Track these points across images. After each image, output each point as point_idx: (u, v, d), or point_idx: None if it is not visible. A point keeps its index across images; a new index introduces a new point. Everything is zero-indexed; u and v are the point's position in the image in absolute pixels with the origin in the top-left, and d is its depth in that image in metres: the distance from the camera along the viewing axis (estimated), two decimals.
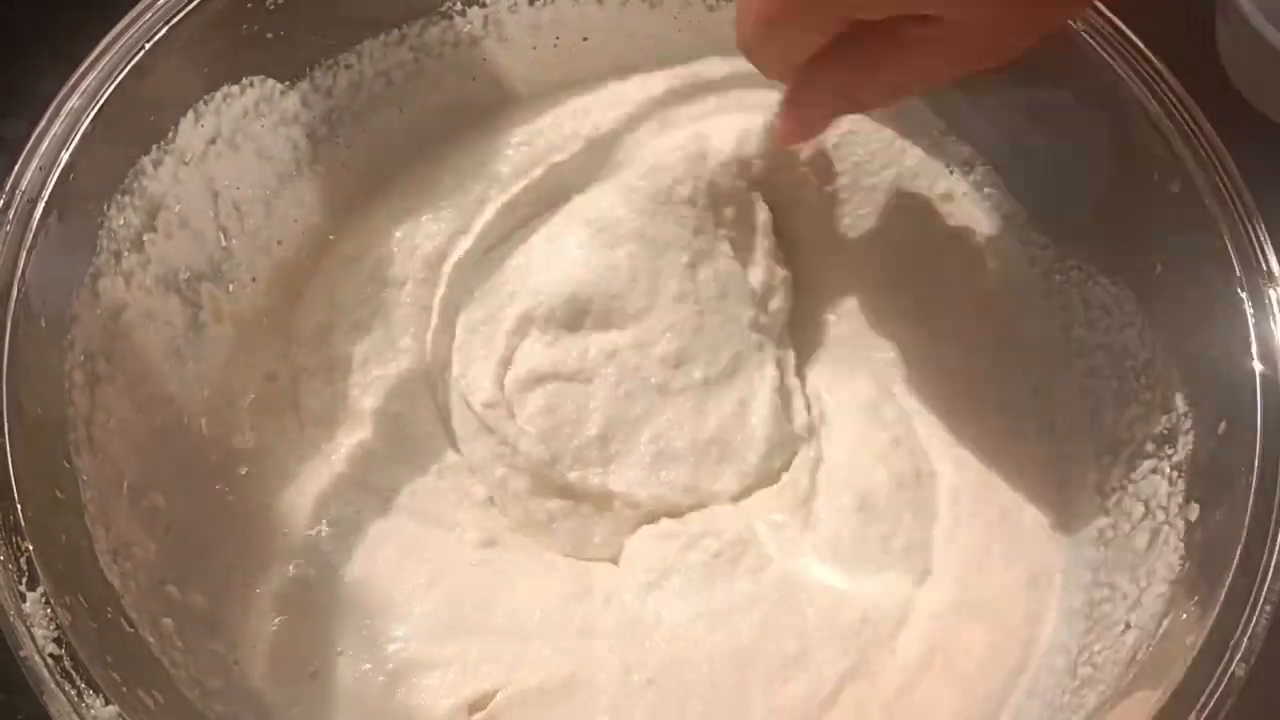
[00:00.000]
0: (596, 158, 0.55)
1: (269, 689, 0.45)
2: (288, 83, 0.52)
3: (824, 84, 0.44)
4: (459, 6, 0.55)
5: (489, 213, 0.55)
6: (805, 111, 0.46)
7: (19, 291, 0.41)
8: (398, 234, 0.55)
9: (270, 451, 0.51)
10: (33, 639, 0.37)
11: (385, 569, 0.49)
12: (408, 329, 0.54)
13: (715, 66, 0.56)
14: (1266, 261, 0.44)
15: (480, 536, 0.51)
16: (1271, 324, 0.44)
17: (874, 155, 0.56)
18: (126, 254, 0.46)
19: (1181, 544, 0.44)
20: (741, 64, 0.45)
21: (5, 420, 0.40)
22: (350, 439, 0.52)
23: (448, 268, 0.54)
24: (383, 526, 0.50)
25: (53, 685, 0.37)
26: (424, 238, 0.55)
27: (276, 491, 0.50)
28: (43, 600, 0.38)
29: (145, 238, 0.47)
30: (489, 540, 0.51)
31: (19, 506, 0.39)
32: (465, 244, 0.54)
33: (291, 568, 0.48)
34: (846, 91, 0.44)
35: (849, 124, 0.56)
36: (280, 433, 0.52)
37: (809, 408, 0.55)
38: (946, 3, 0.37)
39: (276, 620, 0.47)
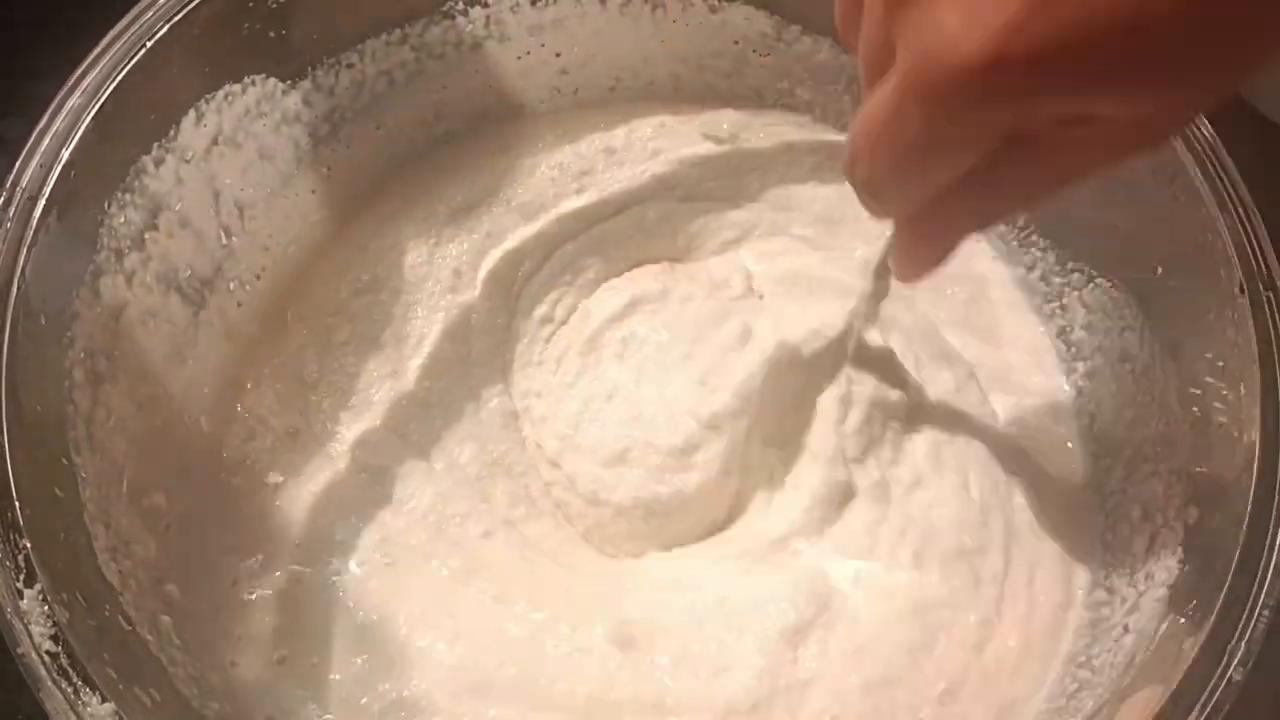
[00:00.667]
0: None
1: (266, 689, 0.45)
2: (289, 82, 0.52)
3: (957, 206, 0.35)
4: (461, 6, 0.55)
5: (515, 238, 0.55)
6: (933, 241, 0.38)
7: (19, 289, 0.41)
8: (403, 237, 0.55)
9: (271, 451, 0.51)
10: (30, 636, 0.37)
11: (387, 583, 0.48)
12: (417, 335, 0.54)
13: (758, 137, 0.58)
14: (1266, 262, 0.44)
15: (464, 565, 0.49)
16: (1271, 325, 0.43)
17: None
18: (127, 252, 0.46)
19: (1180, 547, 0.44)
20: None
21: (5, 418, 0.40)
22: (353, 443, 0.51)
23: (479, 276, 0.55)
24: (384, 535, 0.50)
25: (49, 683, 0.37)
26: (439, 246, 0.55)
27: (277, 492, 0.50)
28: (40, 597, 0.38)
29: (146, 236, 0.47)
30: (472, 569, 0.49)
31: (17, 504, 0.39)
32: (490, 263, 0.55)
33: (291, 569, 0.48)
34: (983, 208, 0.36)
35: None
36: (281, 433, 0.52)
37: None
38: (1119, 100, 0.30)
39: (275, 621, 0.47)
